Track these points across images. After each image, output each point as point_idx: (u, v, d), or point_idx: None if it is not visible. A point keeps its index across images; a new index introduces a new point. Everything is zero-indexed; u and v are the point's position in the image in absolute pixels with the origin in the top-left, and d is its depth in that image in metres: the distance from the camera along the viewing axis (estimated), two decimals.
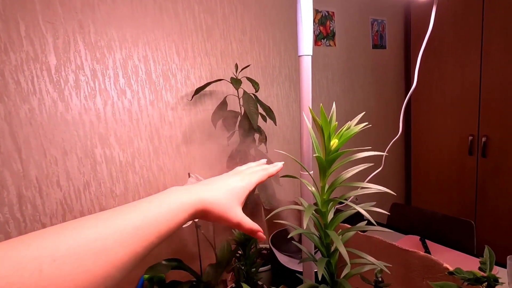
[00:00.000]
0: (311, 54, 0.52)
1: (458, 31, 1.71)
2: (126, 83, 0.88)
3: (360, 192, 0.43)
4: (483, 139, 1.69)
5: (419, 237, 1.27)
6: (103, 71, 0.84)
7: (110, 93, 0.85)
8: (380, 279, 0.64)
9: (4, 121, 0.70)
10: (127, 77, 0.88)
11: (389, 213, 0.50)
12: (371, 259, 0.42)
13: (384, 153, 0.47)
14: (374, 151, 0.43)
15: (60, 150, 0.78)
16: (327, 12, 1.45)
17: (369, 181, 0.53)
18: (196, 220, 0.80)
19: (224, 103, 0.93)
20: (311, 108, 0.48)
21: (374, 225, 0.43)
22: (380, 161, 0.75)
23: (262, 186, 0.90)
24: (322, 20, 1.43)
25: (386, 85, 1.88)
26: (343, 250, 0.35)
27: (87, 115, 0.82)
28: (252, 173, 0.39)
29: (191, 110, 1.02)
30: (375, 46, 1.76)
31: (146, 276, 0.81)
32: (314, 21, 1.40)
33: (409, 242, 1.26)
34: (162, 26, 0.94)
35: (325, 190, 0.43)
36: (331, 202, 0.43)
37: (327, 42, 1.47)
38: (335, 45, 1.52)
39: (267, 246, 1.05)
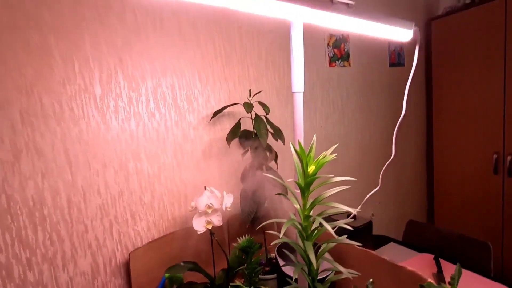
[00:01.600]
0: (303, 91, 0.62)
1: (481, 46, 1.70)
2: (155, 107, 1.03)
3: (331, 211, 0.51)
4: (509, 158, 1.64)
5: (433, 256, 1.27)
6: (137, 98, 1.00)
7: (142, 116, 1.01)
8: None
9: (60, 141, 0.88)
10: (157, 102, 1.03)
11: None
12: (339, 267, 0.49)
13: (353, 179, 0.54)
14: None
15: (101, 164, 0.95)
16: (342, 35, 1.53)
17: (367, 200, 0.61)
18: (210, 227, 0.92)
19: (238, 125, 1.04)
20: (301, 142, 0.58)
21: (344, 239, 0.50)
22: (377, 181, 0.81)
23: (270, 200, 0.99)
24: (336, 43, 1.52)
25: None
26: (312, 257, 0.43)
27: (123, 134, 0.98)
28: None
29: (211, 130, 1.15)
30: (392, 65, 1.80)
31: (167, 275, 0.93)
32: (328, 44, 1.49)
33: (422, 260, 1.27)
34: (186, 56, 1.09)
35: (306, 207, 0.51)
36: (310, 218, 0.51)
37: (342, 63, 1.55)
38: (350, 65, 1.59)
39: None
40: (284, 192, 0.92)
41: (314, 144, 0.51)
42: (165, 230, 1.07)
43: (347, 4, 0.48)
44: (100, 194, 0.95)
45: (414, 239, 1.51)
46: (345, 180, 0.52)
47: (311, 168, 0.48)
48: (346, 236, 0.57)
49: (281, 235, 0.44)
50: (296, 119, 0.62)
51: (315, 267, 0.46)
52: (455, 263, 1.22)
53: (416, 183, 2.04)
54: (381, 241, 1.52)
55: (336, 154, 0.51)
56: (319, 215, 0.52)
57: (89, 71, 0.91)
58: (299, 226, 0.52)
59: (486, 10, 1.67)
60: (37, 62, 0.84)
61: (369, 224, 1.20)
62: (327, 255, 0.53)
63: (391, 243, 1.51)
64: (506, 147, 1.66)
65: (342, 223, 0.54)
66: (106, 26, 0.93)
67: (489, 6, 1.66)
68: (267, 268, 1.07)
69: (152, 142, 1.03)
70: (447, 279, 1.14)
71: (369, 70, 1.67)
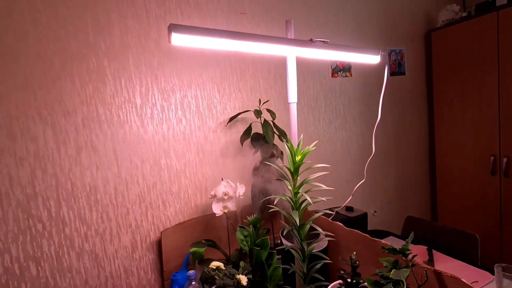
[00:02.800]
0: (296, 101, 0.82)
1: (477, 55, 1.84)
2: (182, 114, 1.26)
3: (315, 189, 0.70)
4: (505, 160, 1.75)
5: (426, 247, 1.42)
6: (168, 107, 1.23)
7: (171, 121, 1.24)
8: (354, 260, 0.87)
9: (110, 140, 1.12)
10: (183, 110, 1.27)
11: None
12: (319, 229, 0.68)
13: (328, 165, 0.73)
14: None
15: (139, 159, 1.18)
16: None
17: (358, 190, 0.80)
18: (226, 211, 1.13)
19: (249, 128, 1.26)
20: (291, 140, 0.78)
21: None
22: (361, 174, 1.00)
23: (275, 190, 1.19)
24: None
25: (406, 107, 2.04)
26: (297, 221, 0.62)
27: (157, 136, 1.21)
28: None
29: (227, 132, 1.37)
30: (393, 74, 1.96)
31: (191, 250, 1.14)
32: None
33: (416, 250, 1.41)
34: (207, 72, 1.32)
35: (295, 185, 0.71)
36: (298, 193, 0.71)
37: (344, 73, 1.74)
38: (351, 75, 1.77)
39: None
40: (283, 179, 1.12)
41: (302, 140, 0.71)
42: (189, 216, 1.29)
43: (324, 41, 0.68)
44: (138, 184, 1.19)
45: (411, 232, 1.64)
46: (324, 167, 0.71)
47: (298, 157, 0.68)
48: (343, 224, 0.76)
49: (275, 202, 0.63)
50: (291, 123, 0.82)
51: (303, 231, 0.65)
52: (446, 254, 1.36)
53: (419, 184, 2.17)
54: (382, 234, 1.66)
55: (314, 148, 0.71)
56: (305, 192, 0.71)
57: (132, 86, 1.16)
58: (290, 200, 0.71)
59: (481, 22, 1.81)
60: (95, 79, 1.09)
61: (364, 216, 1.37)
62: (316, 226, 0.72)
63: (391, 237, 1.66)
64: (502, 149, 1.77)
65: (322, 212, 0.73)
66: (146, 51, 1.18)
67: (483, 19, 1.79)
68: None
69: (179, 143, 1.26)
70: (437, 266, 1.29)
71: (369, 79, 1.84)
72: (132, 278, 1.18)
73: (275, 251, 0.72)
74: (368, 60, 0.79)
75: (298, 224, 0.67)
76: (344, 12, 1.74)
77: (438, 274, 0.71)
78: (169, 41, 0.54)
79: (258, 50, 0.63)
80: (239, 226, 0.81)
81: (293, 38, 0.71)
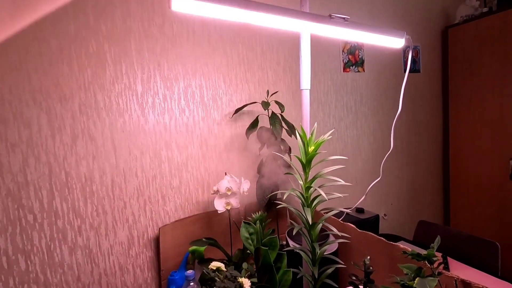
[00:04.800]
0: (309, 88, 0.75)
1: (497, 54, 1.74)
2: (185, 104, 1.19)
3: (328, 184, 0.62)
4: None
5: (441, 254, 1.32)
6: (170, 96, 1.16)
7: (174, 112, 1.17)
8: (368, 265, 0.79)
9: (108, 129, 1.06)
10: (187, 100, 1.20)
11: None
12: (333, 228, 0.60)
13: (345, 157, 0.66)
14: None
15: (139, 151, 1.12)
16: (356, 42, 1.63)
17: (369, 190, 0.72)
18: (229, 208, 1.05)
19: (256, 121, 1.18)
20: (305, 129, 0.70)
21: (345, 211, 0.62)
22: (378, 172, 0.91)
23: (283, 187, 1.11)
24: (351, 50, 1.63)
25: (420, 106, 1.95)
26: (309, 219, 0.55)
27: (158, 127, 1.15)
28: None
29: (232, 125, 1.29)
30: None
31: (191, 249, 1.07)
32: (342, 51, 1.60)
33: None
34: (213, 61, 1.25)
35: (307, 180, 0.63)
36: (310, 188, 0.63)
37: (356, 68, 1.65)
38: (364, 71, 1.68)
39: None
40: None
41: (315, 130, 0.63)
42: (190, 212, 1.22)
43: (344, 18, 0.61)
44: (137, 177, 1.12)
45: (424, 238, 1.55)
46: (341, 159, 0.63)
47: (311, 148, 0.60)
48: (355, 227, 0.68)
49: (284, 197, 0.56)
50: (304, 110, 0.74)
51: (315, 231, 0.57)
52: (463, 262, 1.26)
53: (432, 188, 2.06)
54: (392, 239, 1.56)
55: (330, 136, 0.63)
56: (319, 187, 0.63)
57: (133, 72, 1.09)
58: (301, 196, 0.63)
59: (502, 18, 1.71)
60: (94, 64, 1.03)
61: (375, 218, 1.28)
62: (330, 225, 0.64)
63: (401, 242, 1.56)
64: None
65: (337, 209, 0.65)
66: (149, 36, 1.11)
67: (505, 14, 1.70)
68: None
69: (182, 134, 1.19)
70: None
71: (383, 75, 1.75)
72: (127, 276, 1.11)
73: (285, 253, 0.64)
74: (391, 44, 0.71)
75: (309, 223, 0.60)
76: (359, 5, 1.66)
77: (467, 285, 0.62)
78: (169, 6, 0.47)
79: (269, 23, 0.55)
80: (244, 222, 0.73)
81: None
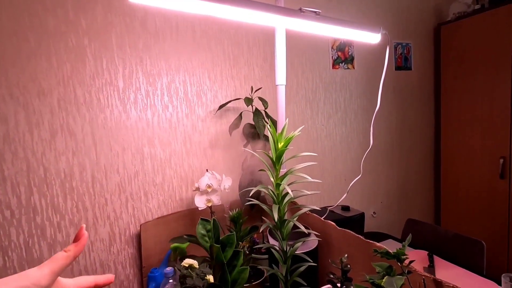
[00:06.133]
0: (285, 83, 0.73)
1: (489, 51, 1.72)
2: (169, 100, 1.18)
3: (299, 181, 0.61)
4: None
5: (427, 252, 1.32)
6: (153, 91, 1.15)
7: (157, 108, 1.16)
8: (345, 263, 0.78)
9: (88, 125, 1.05)
10: (170, 96, 1.18)
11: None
12: (301, 226, 0.60)
13: (315, 154, 0.65)
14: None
15: (120, 147, 1.11)
16: (346, 39, 1.62)
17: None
18: (210, 205, 1.04)
19: (240, 117, 1.17)
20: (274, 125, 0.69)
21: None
22: (359, 169, 0.90)
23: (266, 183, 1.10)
24: (340, 46, 1.61)
25: (411, 104, 1.94)
26: (275, 216, 0.54)
27: (141, 123, 1.13)
28: (52, 261, 0.34)
29: (217, 122, 1.28)
30: (398, 68, 1.85)
31: (172, 246, 1.06)
32: (332, 47, 1.58)
33: (416, 256, 1.31)
34: (198, 57, 1.23)
35: (278, 176, 0.62)
36: (281, 185, 0.62)
37: (345, 65, 1.64)
38: (354, 68, 1.67)
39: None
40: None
41: (287, 125, 0.62)
42: (173, 209, 1.21)
43: (315, 12, 0.59)
44: (119, 173, 1.11)
45: (412, 236, 1.54)
46: (310, 155, 0.62)
47: (281, 144, 0.59)
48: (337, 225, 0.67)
49: (250, 194, 0.55)
50: (279, 107, 0.73)
51: (286, 229, 0.57)
52: (448, 261, 1.26)
53: (422, 186, 2.06)
54: (380, 237, 1.57)
55: (299, 133, 0.62)
56: (289, 184, 0.62)
57: (114, 68, 1.08)
58: (271, 193, 0.62)
59: (495, 15, 1.69)
60: (74, 59, 1.02)
61: (361, 216, 1.27)
62: (299, 223, 0.63)
63: (389, 240, 1.56)
64: None
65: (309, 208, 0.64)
66: (131, 30, 1.10)
67: (497, 11, 1.68)
68: (263, 250, 1.17)
69: (165, 131, 1.18)
70: (438, 274, 1.19)
71: (373, 72, 1.74)
72: (108, 272, 1.10)
73: (241, 250, 0.63)
74: (367, 39, 0.70)
75: (278, 221, 0.59)
76: (348, 2, 1.64)
77: (439, 284, 0.61)
78: None
79: (235, 17, 0.54)
80: (201, 219, 0.72)
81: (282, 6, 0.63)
